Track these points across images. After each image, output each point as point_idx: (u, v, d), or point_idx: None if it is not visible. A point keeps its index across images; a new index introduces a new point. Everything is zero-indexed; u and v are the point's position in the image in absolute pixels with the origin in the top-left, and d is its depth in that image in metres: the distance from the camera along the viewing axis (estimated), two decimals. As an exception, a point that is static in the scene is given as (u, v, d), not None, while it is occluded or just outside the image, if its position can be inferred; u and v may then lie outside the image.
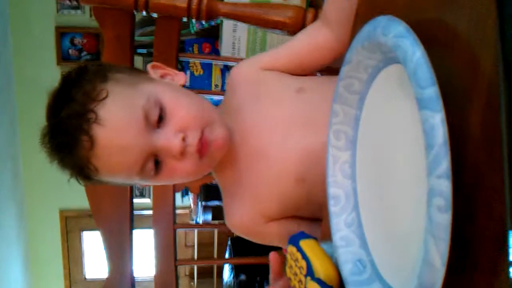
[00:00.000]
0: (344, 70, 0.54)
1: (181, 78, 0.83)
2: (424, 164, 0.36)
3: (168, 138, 0.71)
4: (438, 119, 0.35)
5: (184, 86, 0.83)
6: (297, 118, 0.79)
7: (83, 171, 0.73)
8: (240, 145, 0.80)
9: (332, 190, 0.58)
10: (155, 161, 0.72)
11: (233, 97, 0.85)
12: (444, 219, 0.34)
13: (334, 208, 0.57)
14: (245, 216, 0.82)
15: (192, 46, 1.94)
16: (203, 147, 0.72)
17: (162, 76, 0.82)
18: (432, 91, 0.36)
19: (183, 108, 0.73)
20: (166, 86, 0.78)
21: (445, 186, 0.34)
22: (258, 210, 0.81)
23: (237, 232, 0.87)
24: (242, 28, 1.64)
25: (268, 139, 0.79)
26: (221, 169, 0.84)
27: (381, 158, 0.51)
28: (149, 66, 0.83)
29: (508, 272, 0.33)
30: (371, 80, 0.53)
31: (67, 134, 0.69)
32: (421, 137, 0.36)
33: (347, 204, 0.57)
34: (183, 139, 0.70)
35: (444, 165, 0.34)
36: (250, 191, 0.81)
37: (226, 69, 1.94)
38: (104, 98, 0.69)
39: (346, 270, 0.52)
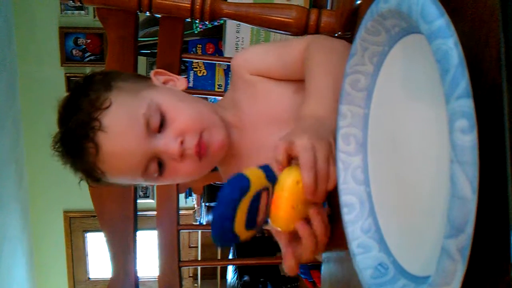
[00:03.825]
0: (350, 64, 0.54)
1: (183, 83, 0.88)
2: (440, 153, 0.34)
3: (167, 143, 0.75)
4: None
5: (187, 88, 0.86)
6: (293, 114, 0.81)
7: (91, 174, 0.78)
8: (240, 140, 0.85)
9: (345, 198, 0.56)
10: (159, 163, 0.77)
11: (234, 91, 0.89)
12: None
13: (348, 217, 0.55)
14: None
15: (196, 46, 1.94)
16: (201, 150, 0.76)
17: (165, 82, 0.87)
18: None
19: (182, 113, 0.77)
20: (167, 92, 0.83)
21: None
22: None
23: None
24: (246, 29, 1.64)
25: (266, 134, 0.82)
26: (225, 163, 0.88)
27: (394, 157, 0.50)
28: (152, 72, 0.87)
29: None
30: (377, 73, 0.52)
31: (75, 142, 0.75)
32: (433, 129, 0.34)
33: (362, 210, 0.55)
34: (182, 143, 0.75)
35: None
36: None
37: (229, 69, 1.94)
38: (107, 107, 0.74)
39: (367, 275, 0.50)
